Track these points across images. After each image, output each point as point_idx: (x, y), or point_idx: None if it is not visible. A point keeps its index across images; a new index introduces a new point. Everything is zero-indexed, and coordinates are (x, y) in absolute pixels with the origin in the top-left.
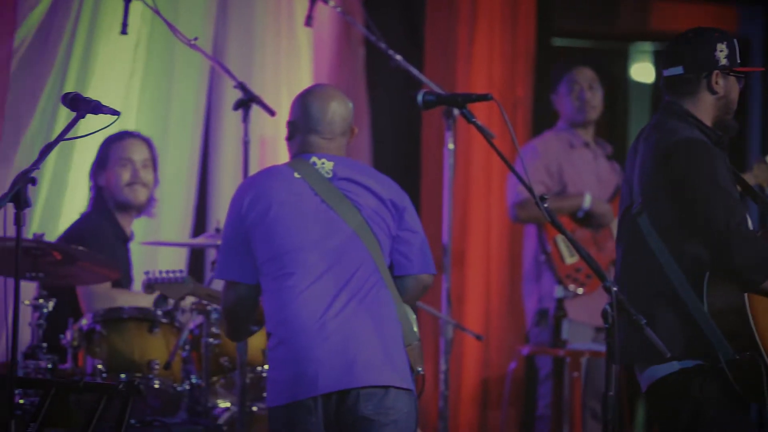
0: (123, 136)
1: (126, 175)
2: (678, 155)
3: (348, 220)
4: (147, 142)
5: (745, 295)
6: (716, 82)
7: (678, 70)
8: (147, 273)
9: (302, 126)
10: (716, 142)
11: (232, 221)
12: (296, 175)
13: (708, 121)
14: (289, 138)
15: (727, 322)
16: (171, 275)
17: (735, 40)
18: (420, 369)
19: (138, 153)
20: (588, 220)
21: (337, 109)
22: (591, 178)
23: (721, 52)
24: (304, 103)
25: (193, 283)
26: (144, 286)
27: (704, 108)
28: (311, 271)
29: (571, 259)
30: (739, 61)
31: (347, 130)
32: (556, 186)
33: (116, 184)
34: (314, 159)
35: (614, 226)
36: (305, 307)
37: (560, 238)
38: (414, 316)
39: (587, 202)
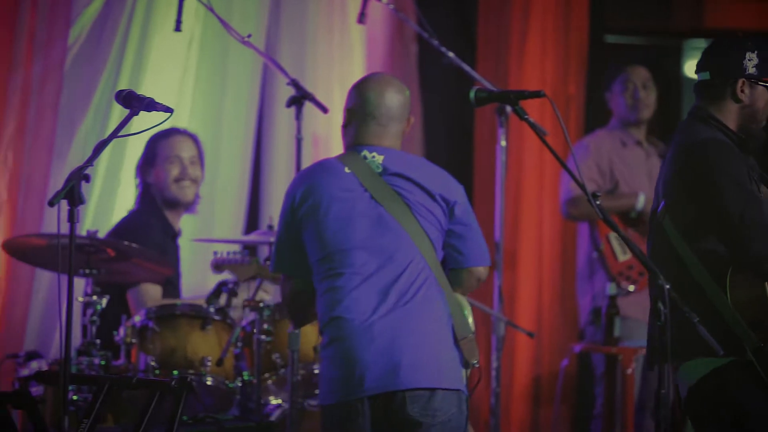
0: (170, 132)
1: (174, 172)
2: (696, 154)
3: (398, 216)
4: (194, 138)
5: (766, 284)
6: (741, 91)
7: (705, 75)
8: (215, 253)
9: (358, 112)
10: (739, 145)
11: (284, 215)
12: (346, 170)
13: (733, 127)
14: (346, 125)
15: (751, 313)
16: (239, 256)
17: (765, 48)
18: (475, 362)
19: (186, 150)
20: (640, 220)
21: (394, 95)
22: (643, 176)
23: (750, 60)
24: (360, 90)
25: (258, 265)
26: (212, 265)
27: (729, 115)
28: (360, 271)
29: (623, 256)
30: None
31: (403, 117)
32: (607, 184)
33: (164, 181)
34: (365, 153)
35: None
36: (354, 307)
37: (613, 236)
38: (469, 309)
39: (641, 202)
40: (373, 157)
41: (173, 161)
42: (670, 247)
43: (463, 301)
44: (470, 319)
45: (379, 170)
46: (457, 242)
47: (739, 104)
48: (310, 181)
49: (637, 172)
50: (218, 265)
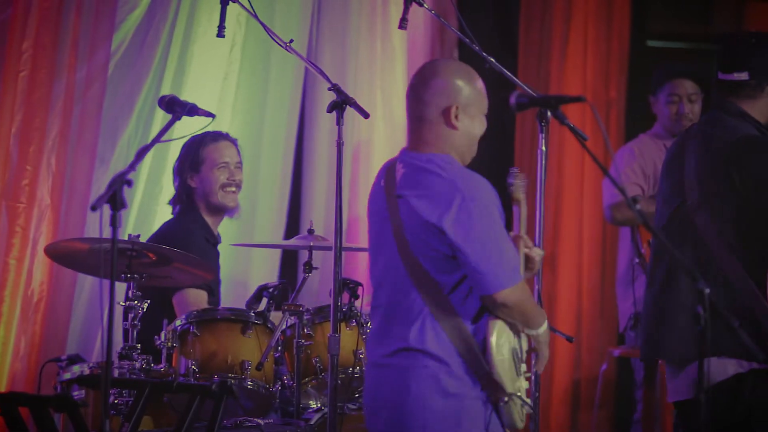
0: (216, 137)
1: (222, 178)
2: (745, 152)
3: (399, 248)
4: (235, 143)
5: None
6: (756, 87)
7: (743, 75)
8: None
9: None
10: None
11: None
12: (381, 183)
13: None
14: None
15: None
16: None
17: None
18: (503, 399)
19: (231, 155)
20: None
21: (424, 82)
22: None
23: None
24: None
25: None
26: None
27: (760, 112)
28: (375, 308)
29: None
30: None
31: (435, 106)
32: (651, 189)
33: (211, 187)
34: (397, 163)
35: None
36: (368, 344)
37: None
38: (498, 335)
39: None
40: (398, 170)
41: (221, 167)
42: (699, 243)
43: (495, 327)
44: (491, 351)
45: (394, 189)
46: (466, 270)
47: (757, 100)
48: (373, 187)
49: None
50: None
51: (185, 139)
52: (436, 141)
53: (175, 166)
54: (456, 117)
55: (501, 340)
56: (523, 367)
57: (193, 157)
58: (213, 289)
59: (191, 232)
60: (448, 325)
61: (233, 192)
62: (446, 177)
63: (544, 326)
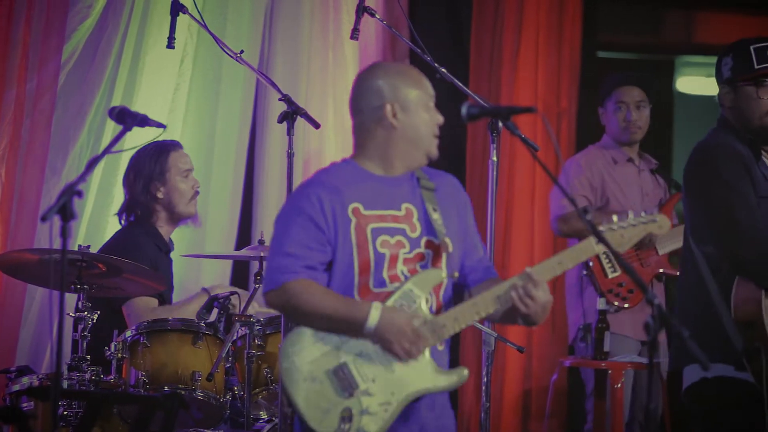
0: (175, 146)
1: (189, 187)
2: (697, 157)
3: None
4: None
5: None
6: (726, 95)
7: (725, 88)
8: None
9: None
10: (750, 146)
11: None
12: None
13: (743, 128)
14: None
15: (746, 313)
16: None
17: (745, 48)
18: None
19: (190, 163)
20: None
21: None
22: (635, 193)
23: (726, 65)
24: None
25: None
26: None
27: (730, 119)
28: None
29: (613, 273)
30: (756, 66)
31: (356, 109)
32: (598, 201)
33: (181, 197)
34: None
35: (659, 244)
36: None
37: (602, 253)
38: (285, 349)
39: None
40: None
41: (187, 175)
42: (689, 255)
43: (290, 338)
44: (285, 354)
45: None
46: None
47: (729, 108)
48: None
49: (628, 189)
50: None
51: (136, 150)
52: (363, 137)
53: (128, 176)
54: (394, 115)
55: (302, 354)
56: (363, 384)
57: (161, 167)
58: (165, 298)
59: (140, 242)
60: None
61: (196, 201)
62: None
63: (368, 325)
